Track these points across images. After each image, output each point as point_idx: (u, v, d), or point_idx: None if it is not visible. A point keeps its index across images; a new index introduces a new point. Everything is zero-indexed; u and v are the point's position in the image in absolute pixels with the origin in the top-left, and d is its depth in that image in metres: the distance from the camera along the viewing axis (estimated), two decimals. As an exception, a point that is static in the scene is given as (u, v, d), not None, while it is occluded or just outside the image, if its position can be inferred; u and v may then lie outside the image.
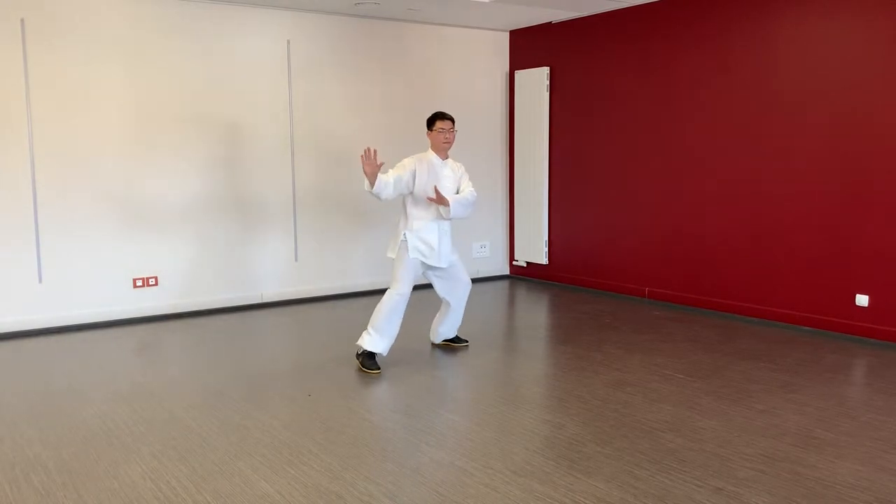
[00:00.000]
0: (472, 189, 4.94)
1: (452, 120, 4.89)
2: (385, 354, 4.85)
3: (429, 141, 4.91)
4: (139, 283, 6.22)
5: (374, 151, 4.50)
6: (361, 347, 4.82)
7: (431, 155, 4.88)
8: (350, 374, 4.68)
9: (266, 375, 4.71)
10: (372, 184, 4.56)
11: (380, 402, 4.17)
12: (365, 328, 4.85)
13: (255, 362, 5.05)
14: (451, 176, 4.90)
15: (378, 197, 4.65)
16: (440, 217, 4.84)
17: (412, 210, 4.83)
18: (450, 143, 4.87)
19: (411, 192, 4.81)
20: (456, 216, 4.82)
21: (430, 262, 4.85)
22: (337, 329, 5.97)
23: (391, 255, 4.89)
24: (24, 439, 3.66)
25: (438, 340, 5.32)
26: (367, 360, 4.78)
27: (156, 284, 6.29)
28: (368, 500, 2.97)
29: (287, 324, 6.21)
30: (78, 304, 5.99)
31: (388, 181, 4.64)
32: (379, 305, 4.81)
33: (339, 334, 5.77)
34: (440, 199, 4.70)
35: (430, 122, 4.88)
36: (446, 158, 4.93)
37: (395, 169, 4.76)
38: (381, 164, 4.57)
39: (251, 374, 4.73)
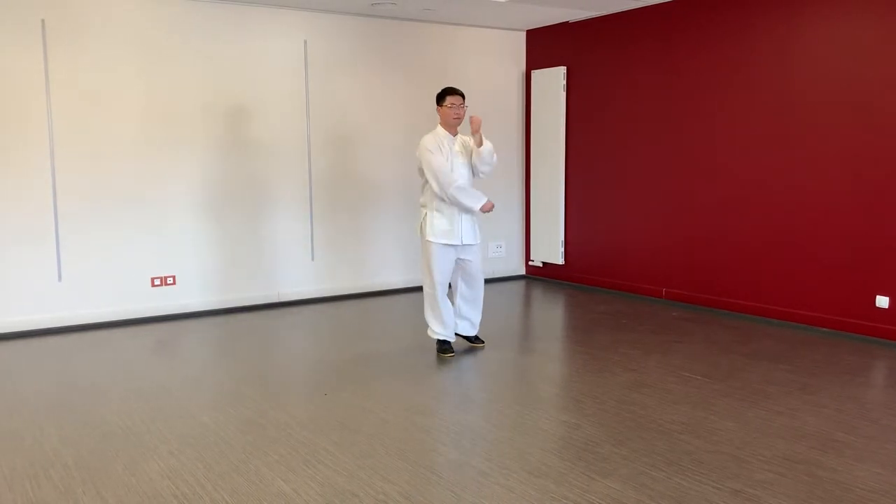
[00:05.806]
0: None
1: (462, 95, 4.89)
2: (453, 340, 5.10)
3: (438, 116, 4.94)
4: (157, 281, 6.26)
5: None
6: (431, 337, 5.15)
7: (441, 131, 4.91)
8: (366, 374, 4.69)
9: (283, 374, 4.73)
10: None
11: (396, 401, 4.17)
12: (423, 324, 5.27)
13: (271, 361, 5.07)
14: (462, 152, 4.93)
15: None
16: None
17: (431, 189, 4.88)
18: (460, 118, 4.89)
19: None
20: (487, 159, 4.89)
21: (451, 241, 4.88)
22: (352, 328, 5.99)
23: (422, 235, 4.98)
24: (44, 436, 3.69)
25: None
26: (440, 346, 5.07)
27: (174, 283, 6.33)
28: (384, 499, 2.98)
29: (303, 323, 6.23)
30: (97, 302, 6.04)
31: (449, 169, 4.79)
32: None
33: (355, 334, 5.78)
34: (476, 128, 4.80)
35: (441, 98, 4.89)
36: (456, 134, 4.94)
37: (433, 155, 4.78)
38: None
39: (268, 373, 4.75)
